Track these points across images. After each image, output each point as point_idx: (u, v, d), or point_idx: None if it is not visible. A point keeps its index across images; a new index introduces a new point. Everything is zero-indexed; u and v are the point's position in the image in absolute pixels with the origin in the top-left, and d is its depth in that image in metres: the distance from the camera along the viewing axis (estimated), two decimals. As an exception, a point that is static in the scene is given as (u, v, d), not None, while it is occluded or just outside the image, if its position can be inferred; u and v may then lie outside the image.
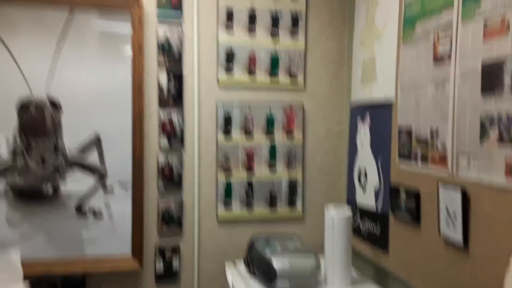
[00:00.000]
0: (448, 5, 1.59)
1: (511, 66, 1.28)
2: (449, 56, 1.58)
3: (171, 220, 2.43)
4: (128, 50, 2.31)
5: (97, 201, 2.31)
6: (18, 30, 2.20)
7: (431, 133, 1.68)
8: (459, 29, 1.53)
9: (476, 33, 1.44)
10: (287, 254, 1.97)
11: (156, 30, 2.39)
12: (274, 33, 2.51)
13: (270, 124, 2.53)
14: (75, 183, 2.28)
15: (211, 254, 2.50)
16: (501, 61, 1.32)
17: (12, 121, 2.20)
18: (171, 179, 2.42)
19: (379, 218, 2.12)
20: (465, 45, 1.50)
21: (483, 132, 1.39)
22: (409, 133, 1.84)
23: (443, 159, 1.60)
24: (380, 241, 2.10)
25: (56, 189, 2.26)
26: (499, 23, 1.34)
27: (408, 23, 1.87)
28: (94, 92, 2.28)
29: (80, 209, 2.28)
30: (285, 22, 2.52)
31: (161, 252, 2.42)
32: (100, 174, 2.31)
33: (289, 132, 2.56)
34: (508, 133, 1.29)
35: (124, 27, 2.31)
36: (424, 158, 1.73)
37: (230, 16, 2.45)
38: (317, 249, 2.44)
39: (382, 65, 2.11)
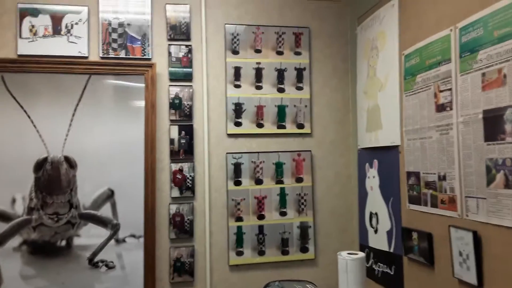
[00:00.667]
0: (446, 59, 1.73)
1: (511, 116, 1.39)
2: (451, 105, 1.69)
3: (183, 269, 2.45)
4: (141, 108, 2.43)
5: (109, 252, 2.34)
6: (37, 95, 2.32)
7: (439, 177, 1.77)
8: (458, 81, 1.65)
9: (474, 84, 1.56)
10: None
11: (168, 89, 2.52)
12: (280, 86, 2.65)
13: (279, 171, 2.61)
14: (88, 236, 2.33)
15: (225, 303, 2.52)
16: (501, 111, 1.43)
17: (29, 180, 2.27)
18: (183, 228, 2.47)
19: (392, 259, 2.17)
20: (465, 95, 1.61)
21: (490, 177, 1.48)
22: (417, 177, 1.93)
23: (452, 202, 1.68)
24: (395, 282, 2.14)
25: (69, 243, 2.30)
26: (496, 74, 1.46)
27: (408, 75, 2.00)
28: (108, 148, 2.37)
29: (92, 261, 2.32)
30: (290, 75, 2.66)
31: (175, 302, 2.43)
32: (112, 226, 2.35)
33: (298, 177, 2.64)
34: (514, 177, 1.38)
35: (137, 87, 2.43)
36: (434, 201, 1.81)
37: (237, 72, 2.60)
38: (331, 293, 2.47)
39: (386, 114, 2.23)
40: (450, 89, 1.69)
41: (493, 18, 1.47)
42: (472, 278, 1.56)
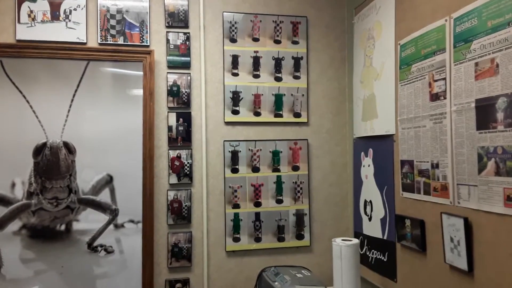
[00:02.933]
0: (440, 49, 1.75)
1: (503, 105, 1.42)
2: (444, 94, 1.72)
3: (181, 254, 2.49)
4: (139, 96, 2.44)
5: (108, 237, 2.38)
6: (35, 80, 2.33)
7: (432, 165, 1.80)
8: (452, 70, 1.68)
9: (468, 74, 1.58)
10: (296, 286, 2.03)
11: (166, 76, 2.53)
12: (277, 75, 2.67)
13: (275, 159, 2.64)
14: (87, 221, 2.36)
15: (221, 287, 2.55)
16: (493, 100, 1.46)
17: (28, 165, 2.30)
18: (180, 214, 2.50)
19: (386, 246, 2.21)
20: (458, 84, 1.64)
21: (481, 164, 1.52)
22: (411, 165, 1.96)
23: (444, 189, 1.72)
24: (388, 268, 2.18)
25: (68, 227, 2.33)
26: (489, 64, 1.48)
27: (404, 64, 2.02)
28: (107, 135, 2.40)
29: (91, 245, 2.35)
30: (288, 64, 2.68)
31: (171, 286, 2.47)
32: (111, 211, 2.38)
33: (294, 166, 2.67)
34: (505, 165, 1.41)
35: (136, 75, 2.45)
36: (427, 189, 1.84)
37: (235, 60, 2.61)
38: (326, 280, 2.50)
39: (382, 103, 2.25)
40: (444, 79, 1.72)
41: (487, 8, 1.49)
42: (463, 264, 1.60)
